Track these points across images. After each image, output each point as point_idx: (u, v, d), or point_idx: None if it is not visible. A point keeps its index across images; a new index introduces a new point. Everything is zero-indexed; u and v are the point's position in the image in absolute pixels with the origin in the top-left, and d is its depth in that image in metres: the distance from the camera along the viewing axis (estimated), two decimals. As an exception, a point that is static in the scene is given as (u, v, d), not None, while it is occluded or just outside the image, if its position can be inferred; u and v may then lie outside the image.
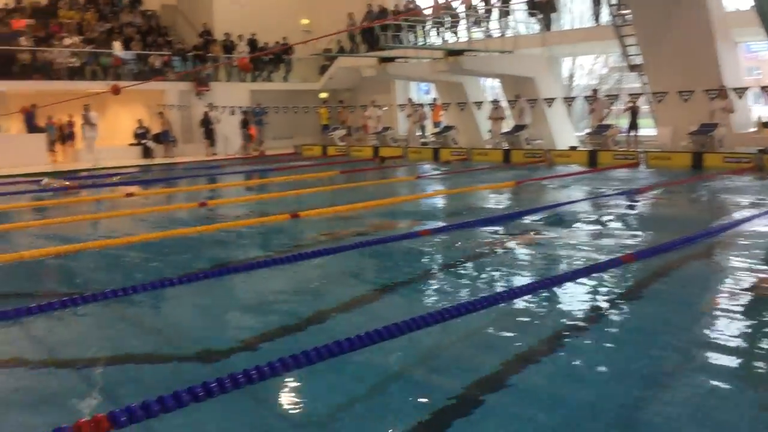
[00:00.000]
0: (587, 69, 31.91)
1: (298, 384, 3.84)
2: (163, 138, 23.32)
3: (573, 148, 18.99)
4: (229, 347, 4.47)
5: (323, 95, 27.42)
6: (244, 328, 4.94)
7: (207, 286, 6.02)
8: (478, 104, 22.39)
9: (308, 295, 5.78)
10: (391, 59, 22.34)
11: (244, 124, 23.92)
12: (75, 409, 3.50)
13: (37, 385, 3.96)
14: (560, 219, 9.16)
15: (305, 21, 26.68)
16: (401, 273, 6.51)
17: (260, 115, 24.65)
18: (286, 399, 3.74)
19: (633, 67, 18.57)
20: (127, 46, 23.83)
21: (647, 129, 19.57)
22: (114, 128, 24.64)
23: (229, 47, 25.81)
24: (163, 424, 3.28)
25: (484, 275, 6.34)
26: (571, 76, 30.62)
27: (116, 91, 10.00)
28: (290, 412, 3.57)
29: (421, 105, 23.86)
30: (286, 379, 3.81)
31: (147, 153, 22.85)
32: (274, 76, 26.66)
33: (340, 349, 4.04)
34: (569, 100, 20.91)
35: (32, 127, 21.32)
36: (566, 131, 20.98)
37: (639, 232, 8.39)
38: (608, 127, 18.56)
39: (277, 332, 4.75)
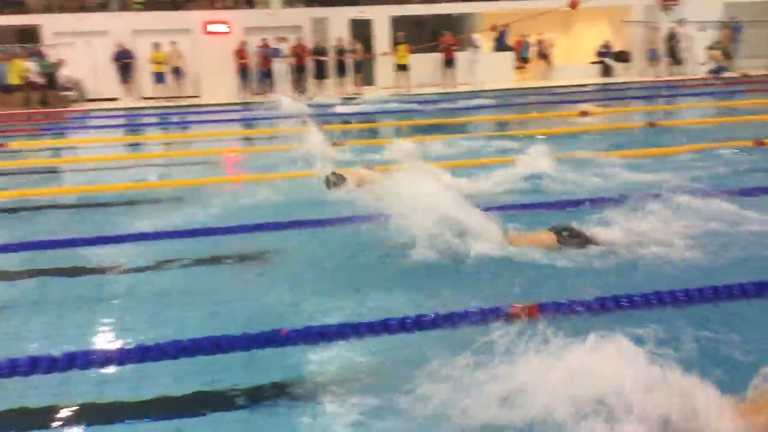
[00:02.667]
0: None
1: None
2: (652, 57, 22.33)
3: None
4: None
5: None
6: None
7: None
8: None
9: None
10: None
11: None
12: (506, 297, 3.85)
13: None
14: None
15: None
16: None
17: (737, 31, 22.05)
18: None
19: None
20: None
21: None
22: (578, 47, 25.00)
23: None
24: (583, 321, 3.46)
25: None
26: None
27: (574, 5, 10.13)
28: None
29: None
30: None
31: (606, 72, 22.70)
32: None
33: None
34: None
35: (502, 46, 23.03)
36: None
37: None
38: None
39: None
